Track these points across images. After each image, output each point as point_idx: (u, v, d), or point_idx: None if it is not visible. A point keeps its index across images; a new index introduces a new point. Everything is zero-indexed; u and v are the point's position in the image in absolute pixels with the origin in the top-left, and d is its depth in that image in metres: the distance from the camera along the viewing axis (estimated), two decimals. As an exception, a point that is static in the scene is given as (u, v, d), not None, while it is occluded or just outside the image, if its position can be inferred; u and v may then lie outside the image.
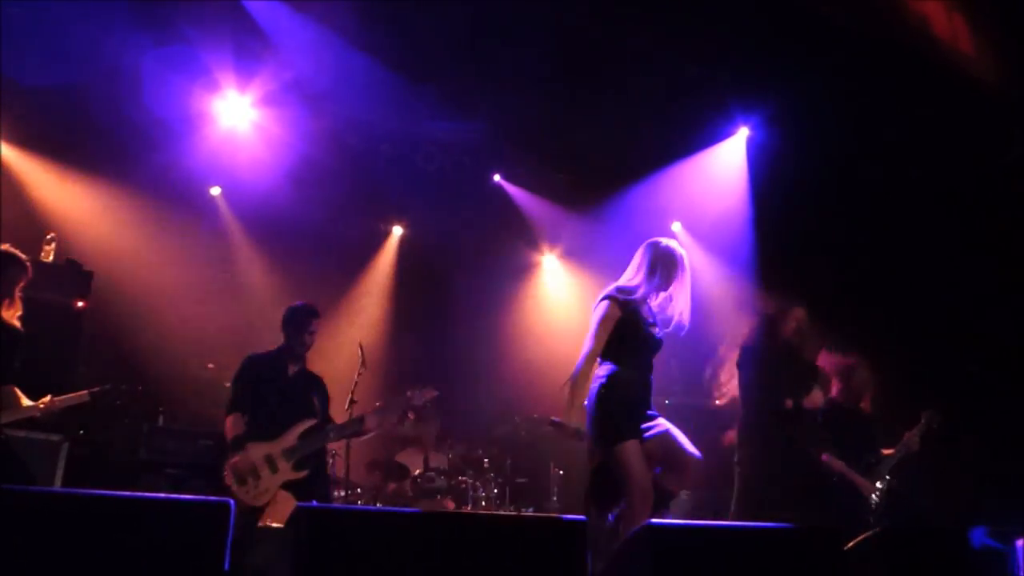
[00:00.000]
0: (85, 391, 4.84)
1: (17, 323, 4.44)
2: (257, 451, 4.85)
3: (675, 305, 4.23)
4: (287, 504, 4.90)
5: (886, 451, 5.56)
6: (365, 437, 5.30)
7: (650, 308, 4.25)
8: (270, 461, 4.85)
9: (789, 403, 5.21)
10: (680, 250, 4.30)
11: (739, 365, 5.60)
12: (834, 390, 5.76)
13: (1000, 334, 6.31)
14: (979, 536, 4.46)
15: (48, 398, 4.68)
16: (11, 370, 4.49)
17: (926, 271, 6.75)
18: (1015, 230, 6.37)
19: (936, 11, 6.69)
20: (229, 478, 4.79)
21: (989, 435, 6.03)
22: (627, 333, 4.14)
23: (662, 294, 4.26)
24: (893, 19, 6.52)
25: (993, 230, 6.54)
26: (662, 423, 4.06)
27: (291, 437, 4.91)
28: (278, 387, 5.10)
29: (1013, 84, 6.44)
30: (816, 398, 5.27)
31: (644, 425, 4.05)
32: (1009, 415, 6.04)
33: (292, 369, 5.20)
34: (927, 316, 6.66)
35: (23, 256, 4.54)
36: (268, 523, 5.03)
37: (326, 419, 5.17)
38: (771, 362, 5.34)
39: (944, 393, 6.06)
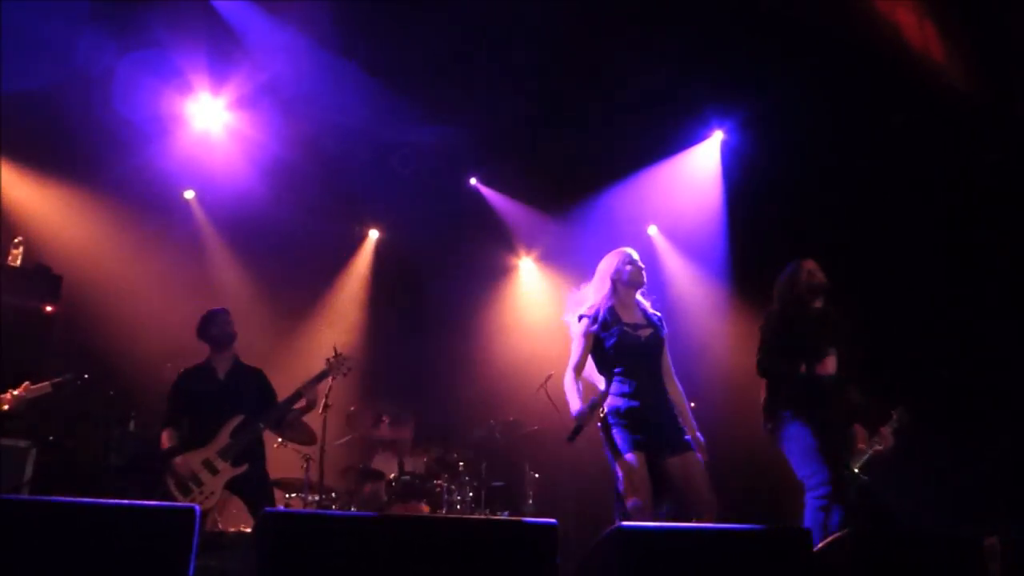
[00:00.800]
0: (47, 382, 4.81)
1: None
2: (194, 459, 4.97)
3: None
4: (233, 505, 5.11)
5: (859, 446, 5.58)
6: (296, 409, 5.27)
7: (637, 309, 4.30)
8: (208, 464, 4.97)
9: (803, 367, 4.83)
10: (626, 249, 4.39)
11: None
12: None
13: (972, 335, 6.38)
14: None
15: (9, 392, 4.62)
16: None
17: (899, 273, 6.82)
18: (989, 233, 6.45)
19: (908, 19, 6.77)
20: (172, 489, 4.87)
21: (960, 435, 6.09)
22: (599, 348, 4.20)
23: (639, 293, 4.32)
24: (866, 26, 6.60)
25: (967, 233, 6.62)
26: (691, 458, 4.04)
27: (223, 437, 5.03)
28: (209, 393, 5.19)
29: (981, 91, 6.52)
30: (829, 364, 4.84)
31: (674, 444, 4.04)
32: (980, 415, 6.12)
33: (222, 371, 5.28)
34: (900, 317, 6.73)
35: None
36: (219, 528, 5.09)
37: (268, 407, 5.20)
38: (777, 324, 5.02)
39: (916, 392, 6.12)
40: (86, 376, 5.21)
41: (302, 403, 5.23)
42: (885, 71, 6.49)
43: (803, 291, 5.07)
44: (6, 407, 4.58)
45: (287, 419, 5.32)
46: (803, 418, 4.74)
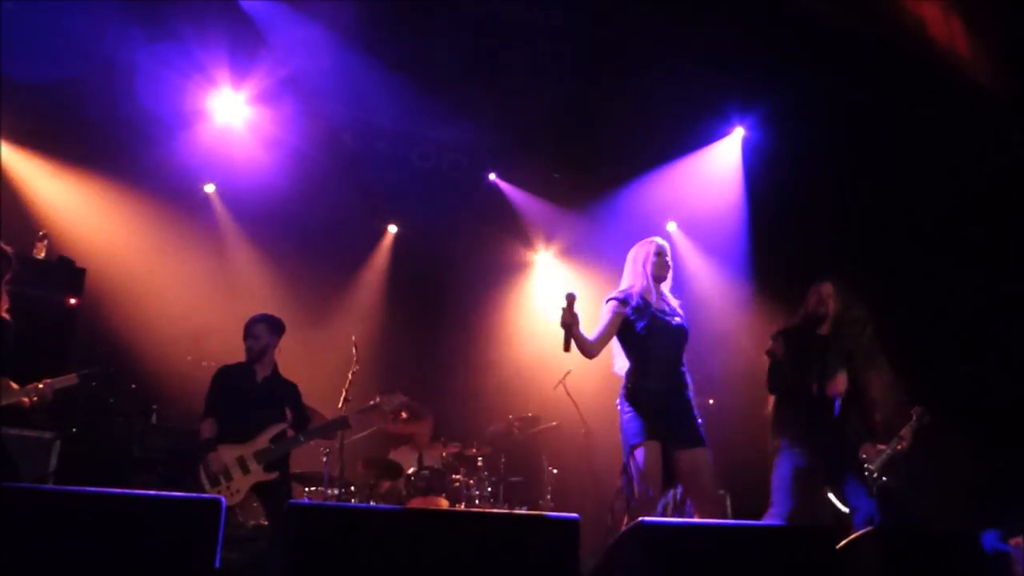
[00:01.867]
0: (73, 373, 4.84)
1: (5, 315, 4.41)
2: (229, 453, 5.02)
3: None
4: (253, 498, 5.11)
5: (879, 445, 5.55)
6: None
7: (664, 300, 4.37)
8: (242, 463, 5.01)
9: (814, 387, 4.90)
10: (657, 240, 4.47)
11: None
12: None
13: (995, 333, 6.32)
14: (990, 540, 4.46)
15: (35, 385, 4.64)
16: (1, 361, 4.46)
17: (922, 270, 6.76)
18: (1012, 231, 6.38)
19: (933, 13, 6.70)
20: (202, 478, 4.94)
21: (983, 435, 6.03)
22: (629, 331, 4.24)
23: (664, 286, 4.40)
24: (890, 20, 6.53)
25: (990, 231, 6.55)
26: (701, 454, 4.09)
27: (263, 440, 5.09)
28: (248, 393, 5.24)
29: (1008, 87, 6.45)
30: (839, 384, 4.91)
31: (689, 438, 4.09)
32: (1003, 415, 6.05)
33: (261, 375, 5.33)
34: (922, 314, 6.67)
35: (7, 248, 4.52)
36: (240, 520, 5.15)
37: (298, 423, 5.28)
38: (788, 343, 5.06)
39: (938, 392, 6.06)
40: (112, 369, 5.25)
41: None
42: (909, 67, 6.43)
43: (809, 317, 5.11)
44: (35, 398, 4.60)
45: (325, 439, 5.44)
46: (795, 448, 4.80)
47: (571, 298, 4.05)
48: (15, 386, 4.60)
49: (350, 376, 5.56)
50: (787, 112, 7.22)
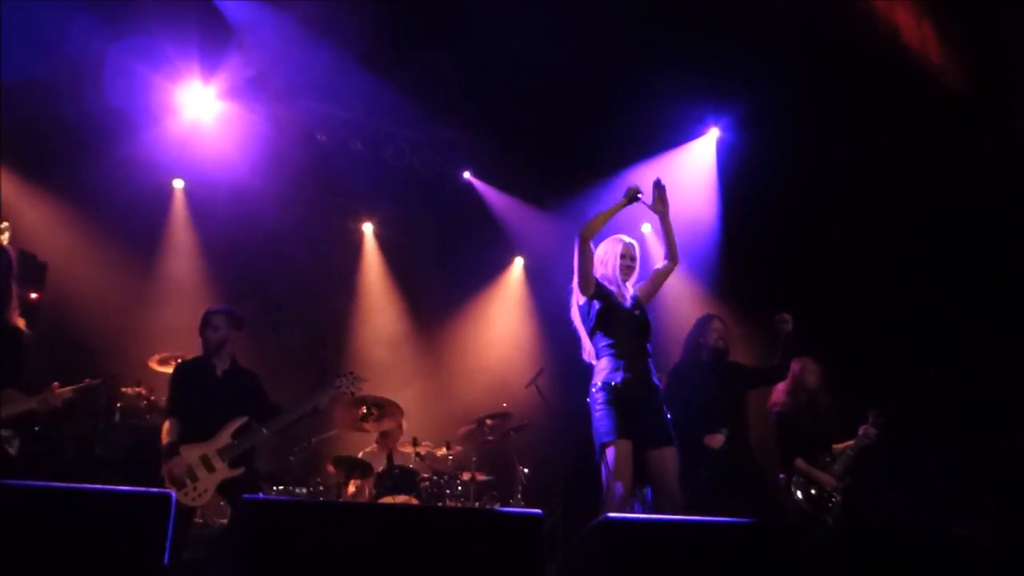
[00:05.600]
0: (70, 388, 4.70)
1: (17, 320, 4.33)
2: (192, 453, 4.90)
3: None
4: (219, 503, 5.02)
5: (836, 446, 5.63)
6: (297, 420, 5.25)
7: (625, 295, 4.41)
8: (206, 461, 4.90)
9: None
10: (624, 240, 4.57)
11: None
12: (779, 393, 5.78)
13: (959, 336, 6.38)
14: None
15: (35, 399, 4.53)
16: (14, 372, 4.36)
17: (891, 273, 6.81)
18: (979, 235, 6.45)
19: (906, 20, 6.76)
20: (167, 483, 4.81)
21: (945, 434, 6.09)
22: (594, 319, 4.30)
23: (633, 276, 4.48)
24: (865, 25, 6.58)
25: (957, 234, 6.61)
26: (669, 453, 4.11)
27: (225, 436, 4.97)
28: (207, 388, 5.13)
29: (978, 94, 6.52)
30: (715, 440, 5.27)
31: (658, 436, 4.12)
32: (964, 415, 6.12)
33: (220, 369, 5.22)
34: (889, 317, 6.72)
35: (9, 248, 4.43)
36: (200, 520, 5.11)
37: (261, 413, 5.15)
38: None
39: (902, 393, 6.12)
40: (110, 378, 5.21)
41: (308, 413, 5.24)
42: (883, 71, 6.48)
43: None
44: (36, 407, 4.48)
45: (290, 430, 5.32)
46: None
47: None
48: (25, 395, 4.47)
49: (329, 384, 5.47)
50: (762, 114, 7.26)
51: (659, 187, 4.52)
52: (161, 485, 4.80)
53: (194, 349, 5.34)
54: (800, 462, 5.54)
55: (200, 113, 7.26)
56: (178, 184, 7.73)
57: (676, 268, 4.58)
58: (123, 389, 6.23)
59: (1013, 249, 6.22)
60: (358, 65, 6.96)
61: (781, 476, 5.69)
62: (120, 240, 7.16)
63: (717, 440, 5.22)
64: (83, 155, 6.86)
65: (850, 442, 5.64)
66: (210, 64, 6.93)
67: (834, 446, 5.63)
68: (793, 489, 5.52)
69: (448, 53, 6.81)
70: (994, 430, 5.95)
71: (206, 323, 5.23)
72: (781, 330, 5.36)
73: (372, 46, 6.85)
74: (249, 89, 7.19)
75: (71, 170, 6.90)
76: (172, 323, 6.94)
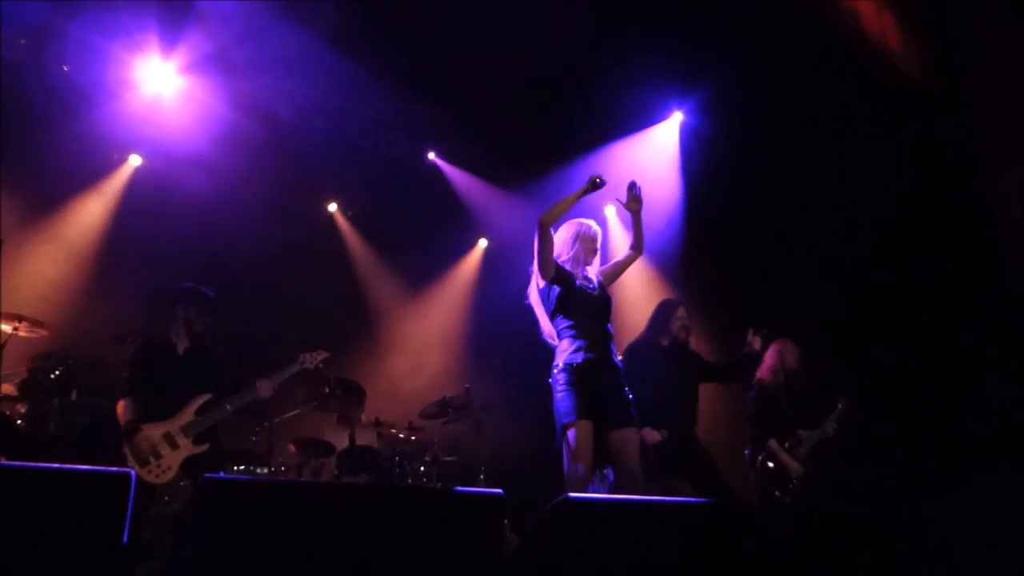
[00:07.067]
0: (24, 368, 4.68)
1: None
2: (155, 431, 4.88)
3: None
4: (181, 483, 5.02)
5: (801, 432, 5.75)
6: (262, 398, 5.24)
7: (586, 276, 4.45)
8: (169, 438, 4.90)
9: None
10: (586, 223, 4.62)
11: None
12: (764, 370, 5.88)
13: (919, 320, 6.50)
14: None
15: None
16: None
17: (851, 259, 6.91)
18: (940, 220, 6.56)
19: (867, 7, 6.84)
20: (130, 461, 4.78)
21: (904, 420, 6.21)
22: (554, 299, 4.32)
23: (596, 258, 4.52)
24: (827, 12, 6.65)
25: (919, 220, 6.72)
26: (630, 433, 4.14)
27: (188, 413, 4.98)
28: (170, 367, 5.12)
29: (936, 81, 6.62)
30: (652, 436, 5.35)
31: (618, 417, 4.14)
32: (924, 400, 6.24)
33: (182, 347, 5.20)
34: (848, 302, 6.83)
35: None
36: (166, 499, 5.09)
37: (223, 391, 5.15)
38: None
39: (860, 378, 6.23)
40: (69, 361, 5.19)
41: (269, 393, 5.20)
42: (843, 57, 6.55)
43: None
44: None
45: (254, 407, 5.31)
46: None
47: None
48: None
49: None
50: (725, 99, 7.30)
51: (633, 188, 4.64)
52: (120, 463, 4.77)
53: (152, 327, 5.28)
54: (773, 443, 5.64)
55: (160, 87, 7.11)
56: (135, 160, 7.58)
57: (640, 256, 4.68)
58: (79, 367, 6.14)
59: (969, 233, 6.34)
60: (322, 42, 6.86)
61: (747, 452, 5.79)
62: (77, 216, 7.01)
63: (654, 437, 5.27)
64: (40, 129, 6.69)
65: (816, 430, 5.75)
66: (170, 38, 6.79)
67: (798, 431, 5.74)
68: (759, 466, 5.62)
69: (414, 33, 6.75)
70: (945, 411, 6.09)
71: (168, 301, 5.20)
72: (749, 346, 5.51)
73: (337, 24, 6.75)
74: (210, 64, 7.05)
75: (28, 144, 6.72)
76: (129, 301, 6.84)
